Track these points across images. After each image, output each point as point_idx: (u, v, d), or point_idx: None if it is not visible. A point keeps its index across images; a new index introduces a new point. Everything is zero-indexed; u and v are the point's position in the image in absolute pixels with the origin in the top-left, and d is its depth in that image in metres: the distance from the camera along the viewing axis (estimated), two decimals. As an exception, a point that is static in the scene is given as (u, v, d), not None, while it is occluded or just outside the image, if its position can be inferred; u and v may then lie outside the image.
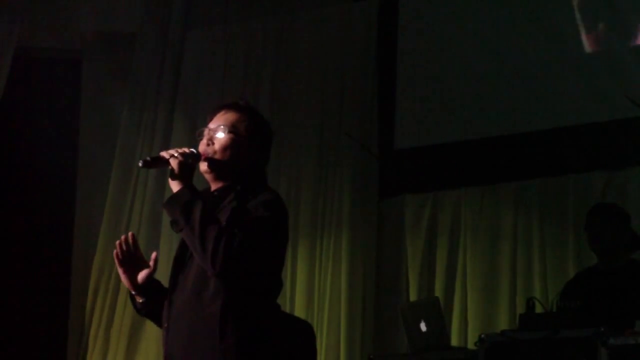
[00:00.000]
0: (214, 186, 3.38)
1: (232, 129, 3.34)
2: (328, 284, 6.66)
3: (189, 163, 3.28)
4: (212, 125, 3.38)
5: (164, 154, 3.30)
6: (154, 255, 3.37)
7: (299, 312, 6.55)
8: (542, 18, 6.48)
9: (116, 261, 3.38)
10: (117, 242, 3.36)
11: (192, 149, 3.34)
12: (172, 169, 3.26)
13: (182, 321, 3.24)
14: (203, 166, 3.34)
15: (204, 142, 3.35)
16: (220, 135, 3.33)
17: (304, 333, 4.04)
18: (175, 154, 3.26)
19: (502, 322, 6.03)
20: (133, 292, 3.40)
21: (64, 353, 7.17)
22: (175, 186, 3.25)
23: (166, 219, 6.97)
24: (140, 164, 3.29)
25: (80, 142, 7.51)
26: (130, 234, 3.40)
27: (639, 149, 6.07)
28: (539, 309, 5.27)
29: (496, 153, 6.51)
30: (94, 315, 7.13)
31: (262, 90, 7.14)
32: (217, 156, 3.33)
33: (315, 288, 6.71)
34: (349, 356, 6.50)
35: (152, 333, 6.74)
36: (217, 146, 3.33)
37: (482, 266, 6.32)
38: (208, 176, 3.37)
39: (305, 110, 7.04)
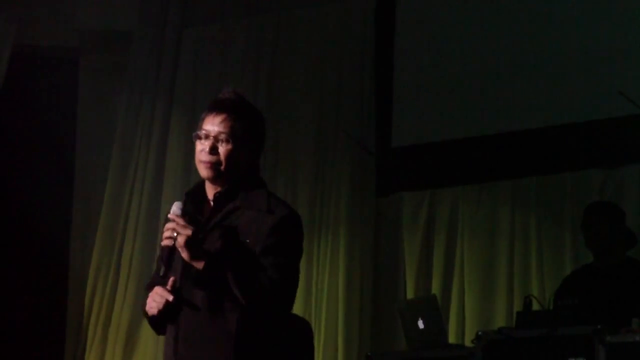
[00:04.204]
0: (212, 188, 3.37)
1: (234, 139, 3.32)
2: (325, 282, 6.65)
3: (192, 239, 3.21)
4: (211, 128, 3.34)
5: (166, 242, 3.23)
6: (171, 280, 3.30)
7: (297, 310, 6.51)
8: (539, 16, 6.47)
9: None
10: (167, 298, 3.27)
11: (176, 217, 3.24)
12: (184, 252, 3.21)
13: (195, 331, 3.25)
14: (206, 173, 3.33)
15: (206, 149, 3.32)
16: (224, 145, 3.31)
17: (302, 331, 4.05)
18: (174, 235, 3.21)
19: (500, 320, 6.02)
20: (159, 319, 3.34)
21: (61, 352, 7.16)
22: (198, 265, 3.21)
23: (163, 216, 7.01)
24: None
25: (77, 139, 7.51)
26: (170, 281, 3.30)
27: (636, 147, 6.07)
28: (536, 307, 5.27)
29: (494, 151, 6.50)
30: (91, 313, 7.12)
31: (259, 88, 7.13)
32: (222, 167, 3.31)
33: (313, 286, 6.71)
34: (346, 354, 6.49)
35: (150, 332, 6.70)
36: (222, 156, 3.31)
37: (480, 264, 6.32)
38: (208, 181, 3.37)
39: (303, 108, 7.03)
